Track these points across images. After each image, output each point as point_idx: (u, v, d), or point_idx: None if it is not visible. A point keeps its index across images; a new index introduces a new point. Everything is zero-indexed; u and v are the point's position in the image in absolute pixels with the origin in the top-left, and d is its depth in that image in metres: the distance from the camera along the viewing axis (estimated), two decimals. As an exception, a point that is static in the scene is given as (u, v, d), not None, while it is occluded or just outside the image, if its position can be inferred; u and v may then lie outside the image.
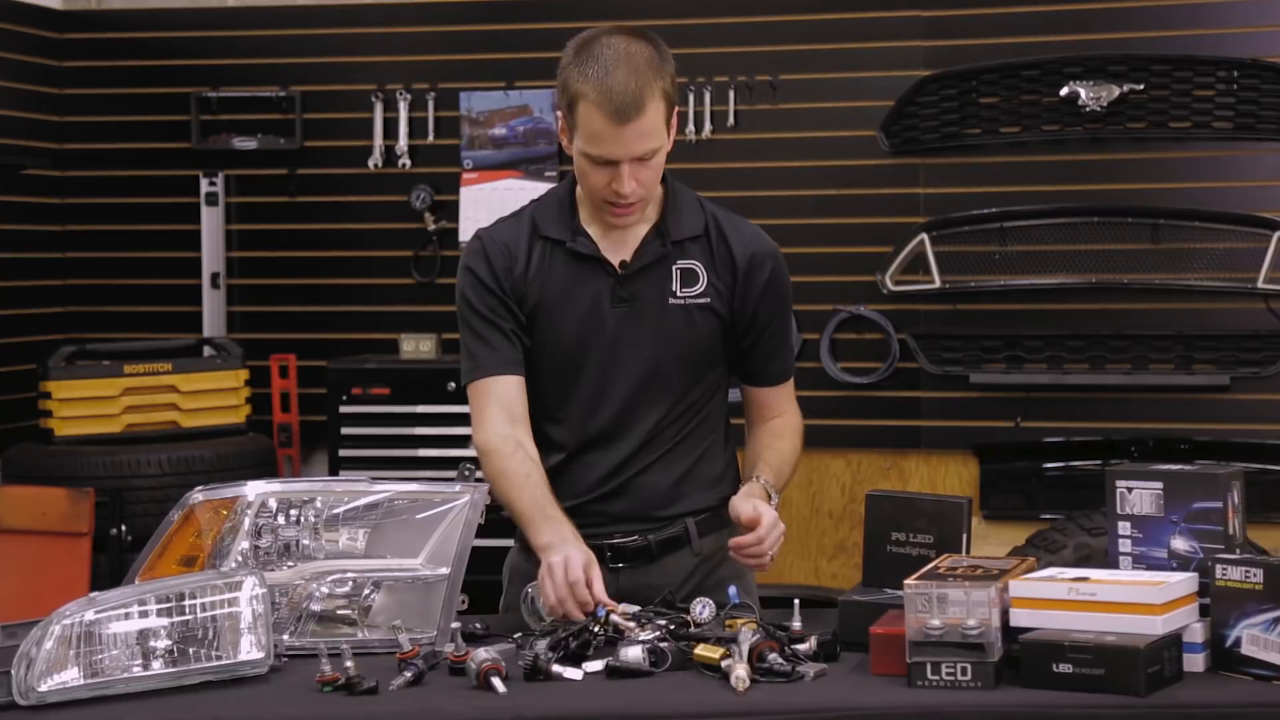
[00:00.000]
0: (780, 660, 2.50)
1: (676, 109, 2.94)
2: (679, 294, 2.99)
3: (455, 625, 2.63)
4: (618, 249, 2.99)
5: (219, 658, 2.53)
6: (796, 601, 2.65)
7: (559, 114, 2.95)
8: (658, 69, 2.85)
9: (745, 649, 2.48)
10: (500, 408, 2.96)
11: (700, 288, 3.00)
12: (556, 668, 2.52)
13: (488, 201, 5.79)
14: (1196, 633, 2.49)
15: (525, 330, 3.00)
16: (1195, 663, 2.49)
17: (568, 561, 2.76)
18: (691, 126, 5.75)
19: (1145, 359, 5.48)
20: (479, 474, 3.04)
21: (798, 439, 3.15)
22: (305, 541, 2.83)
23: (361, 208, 6.05)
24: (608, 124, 2.82)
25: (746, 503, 2.89)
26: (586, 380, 2.99)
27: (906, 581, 2.49)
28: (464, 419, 3.13)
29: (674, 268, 2.99)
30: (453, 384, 5.38)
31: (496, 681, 2.46)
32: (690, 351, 3.00)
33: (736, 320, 3.02)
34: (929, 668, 2.44)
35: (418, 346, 5.70)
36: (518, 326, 2.99)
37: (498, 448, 2.94)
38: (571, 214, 3.02)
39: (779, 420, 3.14)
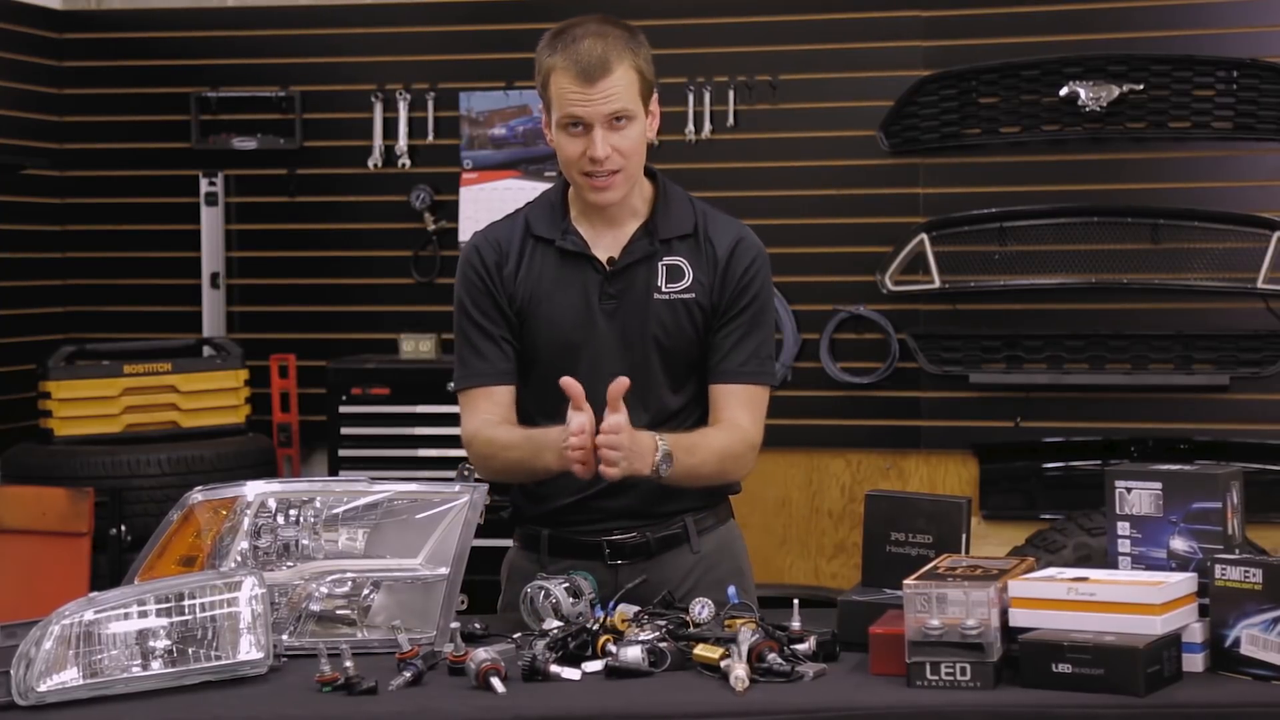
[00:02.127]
0: (780, 660, 2.50)
1: (655, 95, 2.98)
2: (664, 289, 3.00)
3: (454, 625, 2.63)
4: (606, 246, 3.02)
5: (218, 658, 2.53)
6: (796, 601, 2.65)
7: (542, 111, 2.98)
8: (628, 44, 2.91)
9: (744, 649, 2.48)
10: (489, 411, 3.02)
11: (685, 283, 3.00)
12: (555, 668, 2.52)
13: (487, 201, 5.79)
14: (1196, 633, 2.49)
15: (516, 333, 3.03)
16: (1194, 663, 2.49)
17: (572, 427, 2.78)
18: (691, 126, 5.75)
19: (1145, 359, 5.48)
20: (478, 474, 3.04)
21: (730, 442, 2.97)
22: (305, 541, 2.83)
23: (361, 208, 6.05)
24: (575, 84, 2.87)
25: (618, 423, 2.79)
26: (579, 376, 2.99)
27: (906, 581, 2.49)
28: (464, 419, 3.14)
29: (660, 264, 3.01)
30: (452, 384, 5.38)
31: (496, 681, 2.46)
32: (674, 344, 3.00)
33: (715, 310, 3.02)
34: (928, 668, 2.44)
35: (417, 346, 5.70)
36: (509, 331, 3.03)
37: (485, 424, 3.01)
38: (563, 213, 3.04)
39: (730, 423, 3.00)
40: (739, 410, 3.00)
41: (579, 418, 2.79)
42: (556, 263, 3.02)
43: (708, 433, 2.98)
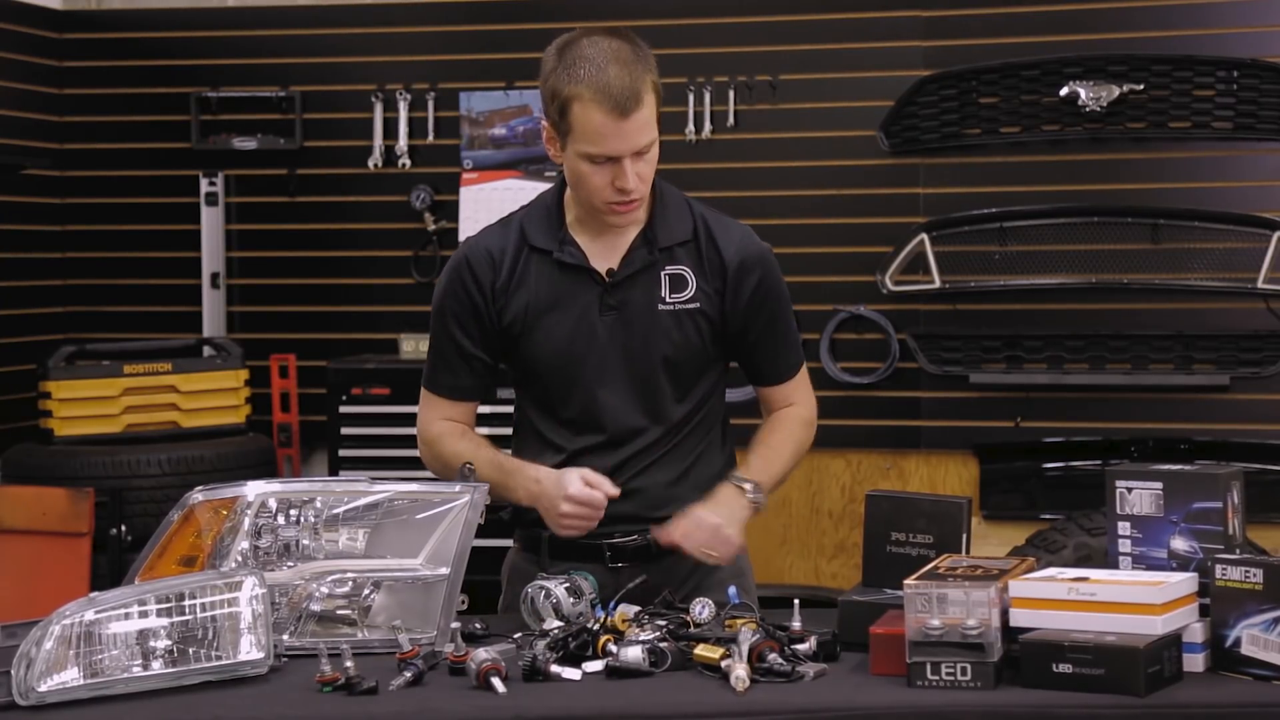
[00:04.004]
0: (780, 660, 2.50)
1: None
2: (668, 300, 2.98)
3: (455, 625, 2.63)
4: (605, 256, 2.99)
5: (219, 658, 2.53)
6: (796, 601, 2.65)
7: (544, 124, 2.95)
8: (644, 62, 2.87)
9: (745, 649, 2.48)
10: (453, 416, 3.11)
11: (689, 293, 2.99)
12: (556, 668, 2.52)
13: (487, 201, 5.79)
14: (1196, 633, 2.49)
15: (496, 351, 3.04)
16: (1195, 663, 2.49)
17: (574, 494, 2.87)
18: (691, 126, 5.75)
19: (1145, 359, 5.48)
20: (427, 463, 3.08)
21: (799, 429, 3.13)
22: (305, 541, 2.83)
23: (361, 208, 6.05)
24: (609, 119, 2.81)
25: (674, 525, 2.94)
26: (580, 387, 2.99)
27: (906, 581, 2.49)
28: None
29: (662, 273, 2.99)
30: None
31: (496, 681, 2.46)
32: (681, 356, 2.99)
33: (729, 323, 3.01)
34: (929, 668, 2.44)
35: (417, 346, 5.69)
36: (485, 349, 3.03)
37: (444, 431, 3.09)
38: (559, 222, 3.01)
39: (784, 410, 3.14)
40: (795, 394, 3.15)
41: (605, 484, 2.89)
42: (554, 275, 2.99)
43: (774, 439, 3.08)
